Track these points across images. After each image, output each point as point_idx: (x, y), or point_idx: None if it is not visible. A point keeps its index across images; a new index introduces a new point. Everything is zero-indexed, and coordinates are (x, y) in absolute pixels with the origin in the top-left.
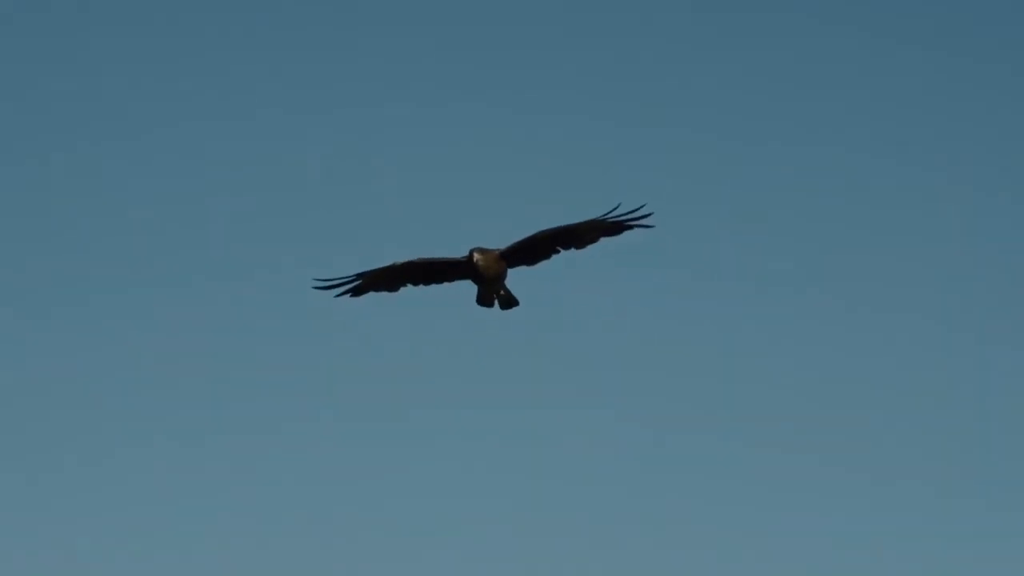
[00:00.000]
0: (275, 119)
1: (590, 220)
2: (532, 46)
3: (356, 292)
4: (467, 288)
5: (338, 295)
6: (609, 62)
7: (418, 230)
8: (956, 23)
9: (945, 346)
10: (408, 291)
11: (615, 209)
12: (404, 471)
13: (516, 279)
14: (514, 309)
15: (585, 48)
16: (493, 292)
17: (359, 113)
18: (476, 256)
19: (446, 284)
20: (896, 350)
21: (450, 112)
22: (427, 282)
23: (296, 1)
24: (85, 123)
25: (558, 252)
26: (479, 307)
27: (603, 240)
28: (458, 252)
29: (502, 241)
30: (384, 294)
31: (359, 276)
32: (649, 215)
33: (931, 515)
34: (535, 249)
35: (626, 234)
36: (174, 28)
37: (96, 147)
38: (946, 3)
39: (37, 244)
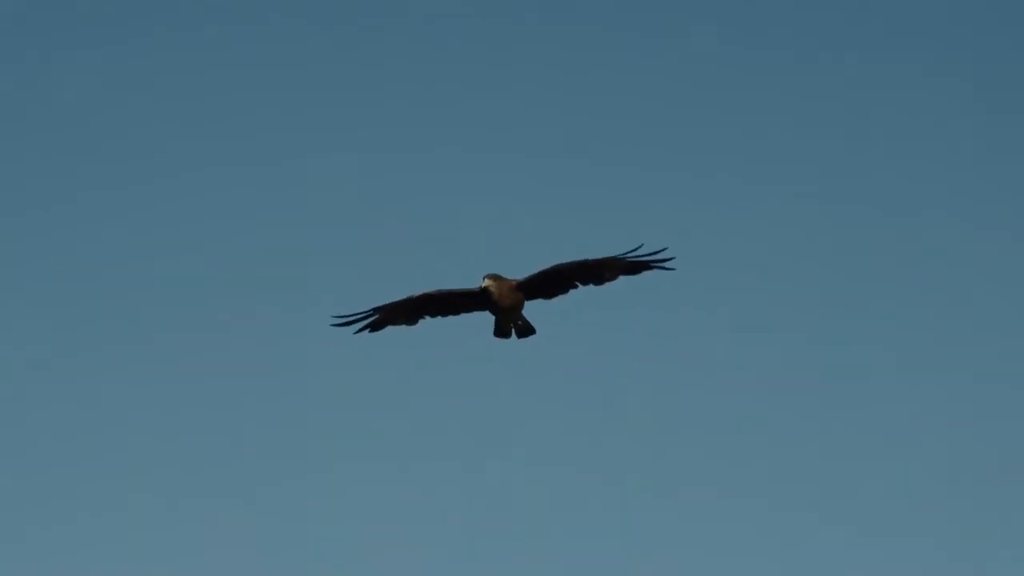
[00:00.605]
0: (283, 152)
1: (611, 257)
2: (551, 78)
3: (374, 327)
4: (485, 318)
5: (357, 331)
6: (630, 97)
7: (434, 264)
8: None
9: (975, 409)
10: (425, 323)
11: (637, 249)
12: (407, 498)
13: (533, 309)
14: (530, 337)
15: (607, 84)
16: (510, 322)
17: (371, 151)
18: (487, 282)
19: (464, 315)
20: (918, 407)
21: (467, 148)
22: (445, 313)
23: (299, 32)
24: (95, 157)
25: (576, 287)
26: (496, 339)
27: (622, 278)
28: (476, 283)
29: (521, 274)
30: (403, 327)
31: (376, 311)
32: (671, 259)
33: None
34: (553, 282)
35: (645, 272)
36: (177, 80)
37: (109, 174)
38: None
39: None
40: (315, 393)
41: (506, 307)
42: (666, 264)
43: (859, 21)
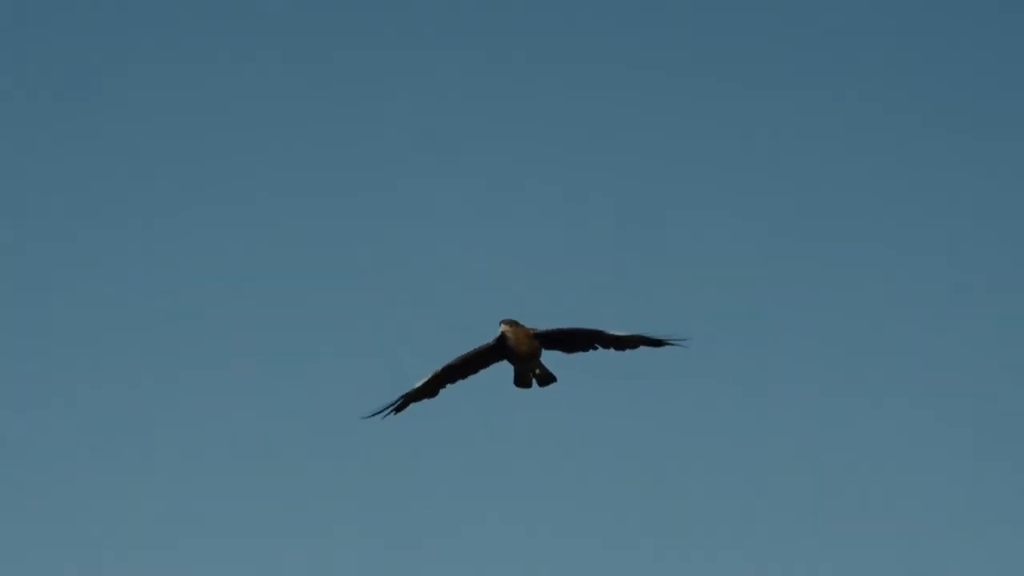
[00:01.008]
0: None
1: (633, 335)
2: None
3: (399, 409)
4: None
5: (384, 417)
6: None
7: (445, 335)
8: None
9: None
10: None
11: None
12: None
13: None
14: (552, 386)
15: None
16: (528, 370)
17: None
18: (504, 328)
19: (483, 371)
20: (928, 470)
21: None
22: (465, 376)
23: (320, 111)
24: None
25: (596, 349)
26: (517, 388)
27: (643, 348)
28: (489, 337)
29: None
30: (424, 401)
31: (403, 398)
32: (688, 339)
33: None
34: (573, 341)
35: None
36: (188, 138)
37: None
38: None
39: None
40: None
41: (523, 354)
42: (683, 343)
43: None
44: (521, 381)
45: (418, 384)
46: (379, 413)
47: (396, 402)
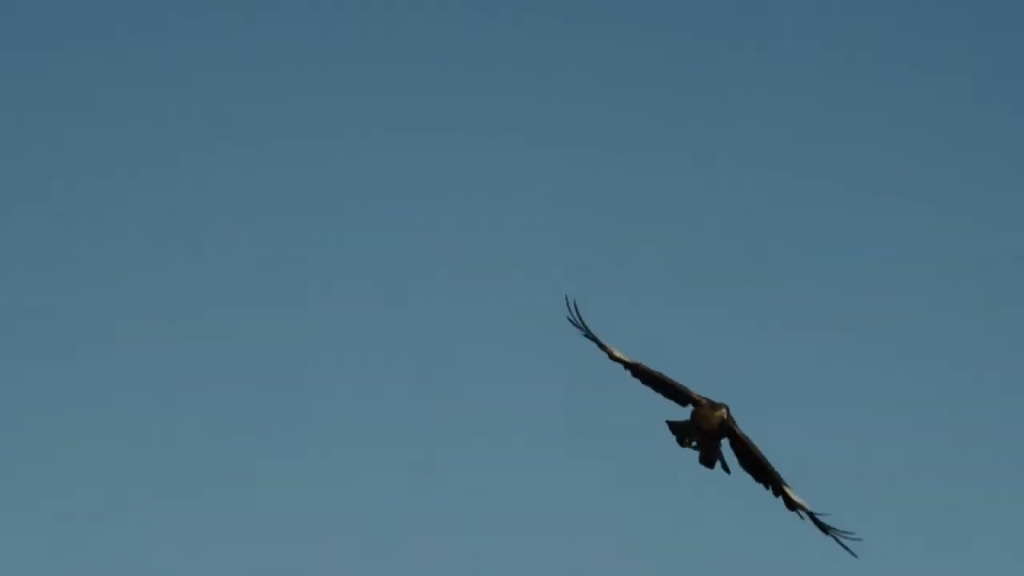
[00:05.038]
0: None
1: (804, 507)
2: None
3: (592, 338)
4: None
5: (586, 335)
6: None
7: None
8: None
9: None
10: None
11: (826, 515)
12: None
13: None
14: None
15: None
16: (707, 454)
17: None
18: (722, 412)
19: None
20: None
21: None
22: (650, 385)
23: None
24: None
25: (767, 488)
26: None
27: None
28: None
29: None
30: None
31: (601, 344)
32: (857, 540)
33: None
34: (754, 464)
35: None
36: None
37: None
38: None
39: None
40: None
41: (705, 428)
42: (850, 545)
43: None
44: (706, 460)
45: (617, 351)
46: (583, 327)
47: (596, 338)
